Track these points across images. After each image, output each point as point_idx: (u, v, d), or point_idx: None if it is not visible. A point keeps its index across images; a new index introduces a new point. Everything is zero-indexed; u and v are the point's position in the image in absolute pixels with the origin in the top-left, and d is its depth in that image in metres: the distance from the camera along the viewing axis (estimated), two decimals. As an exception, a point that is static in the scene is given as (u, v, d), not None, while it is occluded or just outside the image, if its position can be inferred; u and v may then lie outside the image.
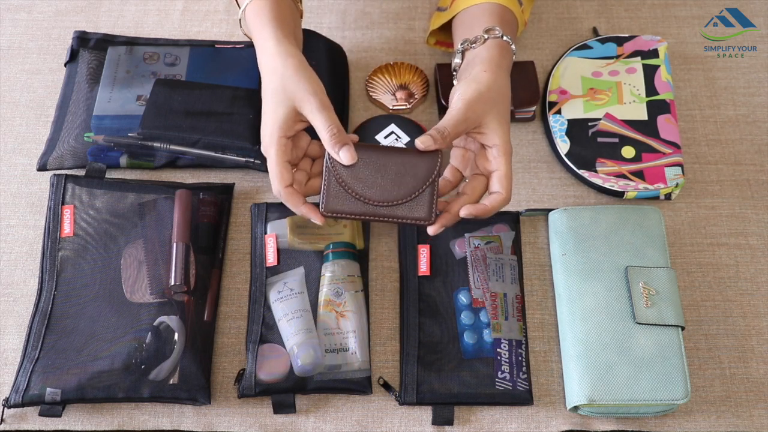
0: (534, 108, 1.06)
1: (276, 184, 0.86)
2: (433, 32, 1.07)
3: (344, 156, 0.84)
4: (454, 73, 0.95)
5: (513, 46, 0.94)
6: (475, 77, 0.89)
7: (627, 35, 1.11)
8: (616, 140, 1.03)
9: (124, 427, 0.89)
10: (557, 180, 1.04)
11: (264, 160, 1.02)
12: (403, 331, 0.93)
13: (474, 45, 0.93)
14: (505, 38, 0.93)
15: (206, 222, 0.98)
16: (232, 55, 1.09)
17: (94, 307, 0.93)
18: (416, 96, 1.09)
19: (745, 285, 0.98)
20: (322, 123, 0.84)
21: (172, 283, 0.93)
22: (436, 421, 0.89)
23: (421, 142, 0.85)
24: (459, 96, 0.87)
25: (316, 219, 0.86)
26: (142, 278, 0.94)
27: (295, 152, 0.88)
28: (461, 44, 0.94)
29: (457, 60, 0.95)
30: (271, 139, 0.86)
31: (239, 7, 0.95)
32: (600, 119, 1.04)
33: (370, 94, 1.09)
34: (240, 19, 0.95)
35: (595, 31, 1.15)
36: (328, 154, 0.85)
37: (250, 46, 1.10)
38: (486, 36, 0.93)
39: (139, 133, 1.02)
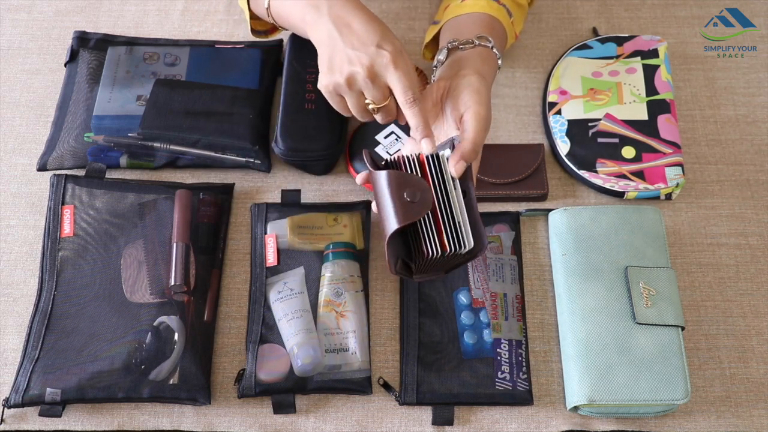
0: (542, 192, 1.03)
1: (412, 91, 0.85)
2: (429, 47, 1.08)
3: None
4: (434, 68, 0.95)
5: (499, 61, 0.95)
6: (477, 71, 0.90)
7: (627, 35, 1.11)
8: (617, 140, 1.03)
9: (124, 427, 0.89)
10: (557, 180, 1.04)
11: (263, 159, 1.02)
12: (403, 331, 0.93)
13: (463, 47, 0.94)
14: (494, 50, 0.94)
15: (206, 222, 0.98)
16: (232, 55, 1.09)
17: (94, 307, 0.93)
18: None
19: (745, 285, 0.98)
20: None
21: (172, 283, 0.93)
22: (436, 421, 0.89)
23: (456, 172, 0.83)
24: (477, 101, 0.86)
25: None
26: (142, 278, 0.94)
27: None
28: (450, 42, 0.94)
29: (440, 57, 0.95)
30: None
31: None
32: (600, 119, 1.04)
33: (370, 94, 1.09)
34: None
35: (595, 31, 1.15)
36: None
37: (250, 46, 1.10)
38: (477, 42, 0.93)
39: (139, 133, 1.02)
